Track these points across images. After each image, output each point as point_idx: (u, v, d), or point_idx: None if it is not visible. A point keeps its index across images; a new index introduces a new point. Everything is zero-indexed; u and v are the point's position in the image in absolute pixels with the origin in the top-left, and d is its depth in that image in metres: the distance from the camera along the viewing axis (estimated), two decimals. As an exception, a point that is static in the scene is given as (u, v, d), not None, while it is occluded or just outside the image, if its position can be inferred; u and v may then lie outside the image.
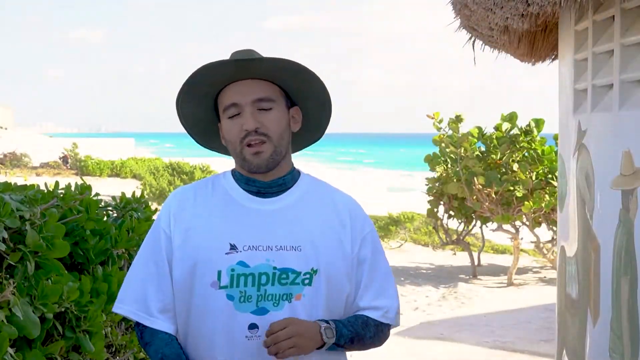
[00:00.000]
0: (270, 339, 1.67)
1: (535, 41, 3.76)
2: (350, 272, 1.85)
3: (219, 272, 1.74)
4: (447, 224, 11.08)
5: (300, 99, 1.88)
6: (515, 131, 9.83)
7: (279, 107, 1.80)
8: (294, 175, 1.88)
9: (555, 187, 9.00)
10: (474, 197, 9.86)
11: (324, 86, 1.86)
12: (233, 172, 1.89)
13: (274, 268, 1.75)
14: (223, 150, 1.95)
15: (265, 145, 1.76)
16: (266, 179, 1.83)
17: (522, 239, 10.16)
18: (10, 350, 1.99)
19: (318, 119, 1.94)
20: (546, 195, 9.43)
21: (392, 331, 1.96)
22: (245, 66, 1.75)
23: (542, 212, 9.54)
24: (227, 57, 1.79)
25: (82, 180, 2.93)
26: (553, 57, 4.01)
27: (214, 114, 1.87)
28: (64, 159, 31.28)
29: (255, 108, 1.77)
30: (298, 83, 1.84)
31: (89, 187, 2.84)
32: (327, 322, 1.76)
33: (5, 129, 50.72)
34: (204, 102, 1.84)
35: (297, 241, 1.78)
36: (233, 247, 1.75)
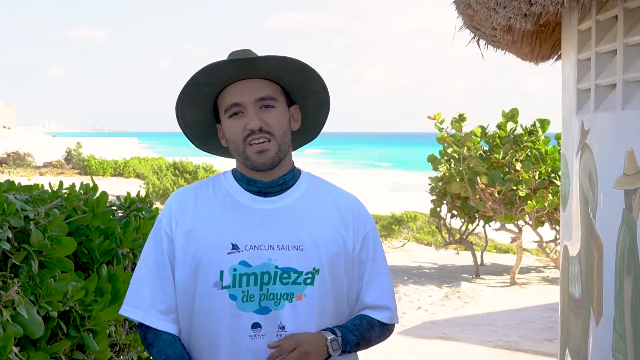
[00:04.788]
0: None
1: (538, 41, 3.76)
2: (352, 271, 1.86)
3: (221, 272, 1.75)
4: (450, 224, 11.07)
5: (300, 97, 1.88)
6: (519, 130, 9.82)
7: (280, 106, 1.81)
8: (294, 174, 1.88)
9: (558, 186, 8.99)
10: (477, 197, 9.85)
11: (324, 85, 1.87)
12: (234, 172, 1.90)
13: (276, 267, 1.75)
14: (219, 152, 1.95)
15: (270, 143, 1.77)
16: (267, 178, 1.83)
17: (515, 238, 10.15)
18: (15, 349, 2.00)
19: (316, 117, 1.95)
20: (549, 195, 9.42)
21: (395, 330, 1.98)
22: (247, 66, 1.75)
23: (545, 212, 9.53)
24: (226, 56, 1.80)
25: (92, 180, 2.93)
26: (556, 56, 4.01)
27: (213, 116, 1.87)
28: (67, 156, 31.34)
29: (258, 107, 1.77)
30: (299, 82, 1.84)
31: (95, 188, 2.84)
32: (333, 331, 1.77)
33: (9, 128, 50.80)
34: (203, 104, 1.84)
35: (299, 240, 1.78)
36: (235, 247, 1.76)
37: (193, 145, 1.96)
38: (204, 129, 1.90)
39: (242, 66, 1.75)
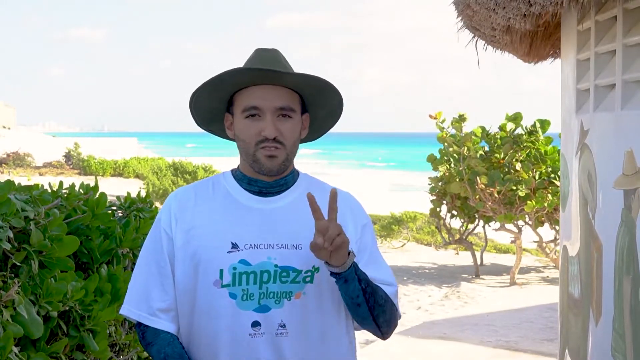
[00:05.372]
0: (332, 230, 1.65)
1: (538, 41, 3.76)
2: None
3: (221, 271, 1.76)
4: (449, 224, 11.09)
5: (314, 107, 1.91)
6: (519, 131, 9.83)
7: (296, 117, 1.83)
8: (294, 175, 1.91)
9: (558, 186, 9.00)
10: (477, 197, 9.86)
11: (341, 100, 1.90)
12: (234, 172, 1.91)
13: (276, 266, 1.77)
14: (220, 134, 1.96)
15: (280, 150, 1.79)
16: (270, 179, 1.85)
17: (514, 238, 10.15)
18: (15, 349, 2.00)
19: (324, 125, 1.99)
20: (549, 195, 9.43)
21: (395, 330, 1.96)
22: (275, 74, 1.77)
23: (545, 212, 9.54)
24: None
25: (95, 180, 2.93)
26: (555, 56, 4.01)
27: (225, 106, 1.89)
28: (67, 156, 31.37)
29: (276, 115, 1.79)
30: (319, 96, 1.87)
31: (96, 188, 2.85)
32: None
33: (8, 128, 50.83)
34: (219, 96, 1.86)
35: (298, 239, 1.80)
36: (234, 246, 1.77)
37: (197, 124, 1.97)
38: (214, 114, 1.92)
39: (269, 74, 1.77)
